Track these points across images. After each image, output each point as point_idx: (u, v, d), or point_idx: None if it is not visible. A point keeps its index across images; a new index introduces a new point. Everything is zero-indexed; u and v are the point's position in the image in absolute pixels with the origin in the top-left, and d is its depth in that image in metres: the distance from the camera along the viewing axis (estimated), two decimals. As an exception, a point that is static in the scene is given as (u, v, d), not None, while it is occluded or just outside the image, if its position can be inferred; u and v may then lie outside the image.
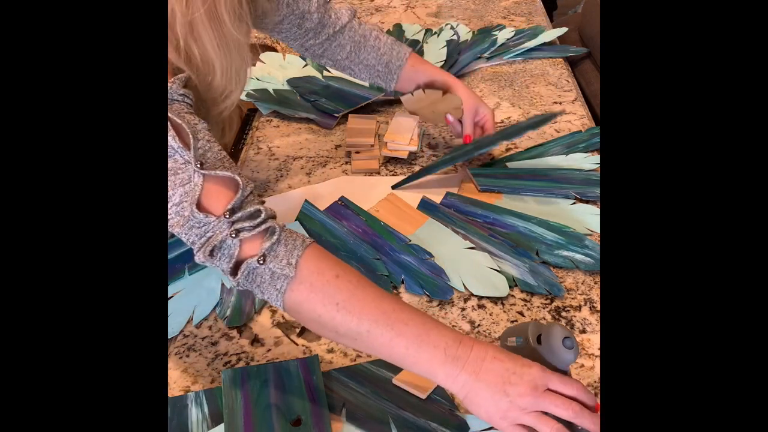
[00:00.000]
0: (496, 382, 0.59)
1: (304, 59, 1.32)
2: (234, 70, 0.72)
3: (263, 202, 0.63)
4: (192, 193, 0.60)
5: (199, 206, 0.60)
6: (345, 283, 0.61)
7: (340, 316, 0.60)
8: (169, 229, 0.61)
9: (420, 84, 0.99)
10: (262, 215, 0.61)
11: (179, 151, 0.60)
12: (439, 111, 1.01)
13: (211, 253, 0.61)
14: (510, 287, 0.81)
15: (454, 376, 0.59)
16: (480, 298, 0.80)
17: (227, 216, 0.60)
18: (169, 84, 0.63)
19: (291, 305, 0.61)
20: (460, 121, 1.00)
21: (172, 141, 0.60)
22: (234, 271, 0.61)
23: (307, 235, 0.67)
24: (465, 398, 0.60)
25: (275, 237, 0.61)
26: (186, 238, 0.61)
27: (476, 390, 0.59)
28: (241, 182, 0.61)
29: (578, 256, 0.84)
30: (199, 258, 0.61)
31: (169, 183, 0.60)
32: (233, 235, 0.60)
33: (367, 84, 1.20)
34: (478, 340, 0.62)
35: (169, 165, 0.60)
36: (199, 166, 0.60)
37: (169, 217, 0.61)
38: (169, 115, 0.60)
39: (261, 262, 0.60)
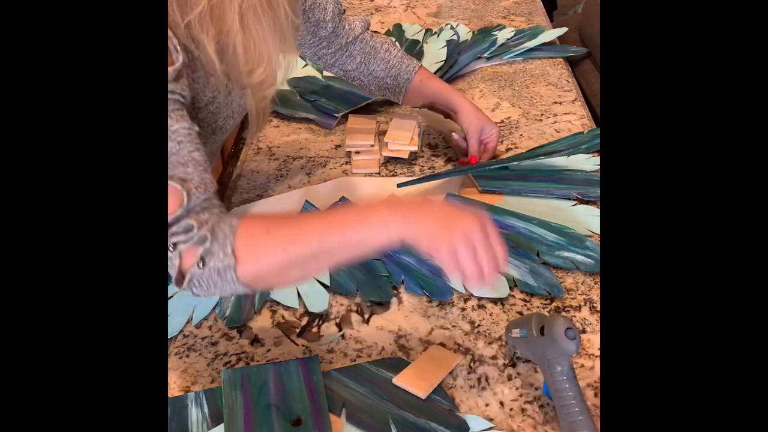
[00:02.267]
0: (442, 213, 0.62)
1: (303, 59, 1.32)
2: (280, 60, 0.72)
3: (221, 205, 0.63)
4: None
5: None
6: (277, 230, 0.62)
7: (292, 256, 0.61)
8: None
9: (427, 99, 1.01)
10: (194, 230, 0.60)
11: None
12: (447, 127, 1.04)
13: None
14: (510, 288, 0.81)
15: (405, 218, 0.61)
16: (480, 298, 0.80)
17: None
18: None
19: (247, 282, 0.62)
20: (465, 139, 1.02)
21: None
22: (179, 281, 0.62)
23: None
24: (414, 233, 0.61)
25: (208, 241, 0.61)
26: None
27: (422, 221, 0.61)
28: (184, 196, 0.60)
29: (579, 257, 0.84)
30: None
31: None
32: (171, 249, 0.60)
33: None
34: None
35: None
36: None
37: None
38: None
39: (201, 266, 0.60)
